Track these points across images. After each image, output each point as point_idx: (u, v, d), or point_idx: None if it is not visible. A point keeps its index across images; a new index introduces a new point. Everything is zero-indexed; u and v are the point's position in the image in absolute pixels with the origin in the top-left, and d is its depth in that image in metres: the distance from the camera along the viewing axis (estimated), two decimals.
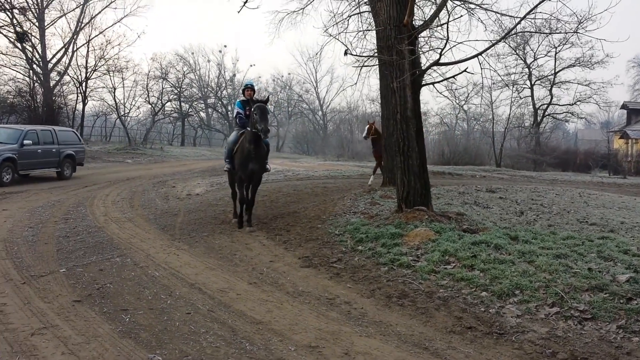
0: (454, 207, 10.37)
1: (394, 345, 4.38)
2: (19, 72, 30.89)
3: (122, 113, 40.90)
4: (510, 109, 39.79)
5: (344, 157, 39.42)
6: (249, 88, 9.04)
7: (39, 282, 5.39)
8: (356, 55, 10.52)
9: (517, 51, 37.14)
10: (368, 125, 15.86)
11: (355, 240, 7.56)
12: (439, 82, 10.61)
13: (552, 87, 38.72)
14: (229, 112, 49.46)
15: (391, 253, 6.85)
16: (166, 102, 45.59)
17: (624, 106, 43.54)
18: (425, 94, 60.12)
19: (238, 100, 9.15)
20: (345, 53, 10.13)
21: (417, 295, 5.56)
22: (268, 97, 9.47)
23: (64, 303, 4.84)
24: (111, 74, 35.34)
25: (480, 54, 9.43)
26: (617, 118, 53.42)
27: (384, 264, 6.49)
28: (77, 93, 29.06)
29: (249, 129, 8.42)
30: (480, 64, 9.82)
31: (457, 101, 42.25)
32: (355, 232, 7.89)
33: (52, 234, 7.68)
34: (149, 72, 43.31)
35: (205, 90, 49.60)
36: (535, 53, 37.73)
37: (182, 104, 47.35)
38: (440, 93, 43.04)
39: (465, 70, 9.60)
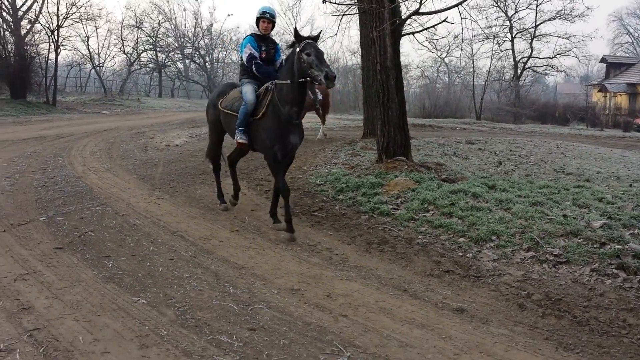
0: (434, 158, 10.46)
1: (374, 287, 4.49)
2: None
3: (97, 63, 39.77)
4: (491, 62, 39.76)
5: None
6: (265, 18, 6.05)
7: (19, 230, 5.35)
8: (335, 2, 10.28)
9: (499, 3, 36.79)
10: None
11: (336, 190, 7.61)
12: (419, 31, 10.49)
13: (532, 40, 38.59)
14: (206, 64, 48.40)
15: (371, 202, 6.92)
16: (142, 52, 44.33)
17: (603, 60, 43.71)
18: (406, 45, 59.24)
19: (248, 35, 6.15)
20: (324, 1, 9.92)
21: (396, 241, 5.66)
22: (320, 33, 6.09)
23: (45, 250, 4.82)
24: (84, 22, 34.12)
25: (460, 3, 9.31)
26: (597, 72, 53.62)
27: (365, 213, 6.57)
28: (49, 42, 28.06)
29: (277, 81, 5.74)
30: (460, 14, 9.73)
31: (439, 53, 41.87)
32: (336, 182, 7.93)
33: (30, 184, 7.57)
34: (123, 20, 42.03)
35: (182, 40, 48.25)
36: (516, 5, 37.40)
37: (159, 54, 46.10)
38: (421, 44, 42.49)
39: (445, 20, 9.50)
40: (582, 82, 52.36)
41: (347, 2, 12.48)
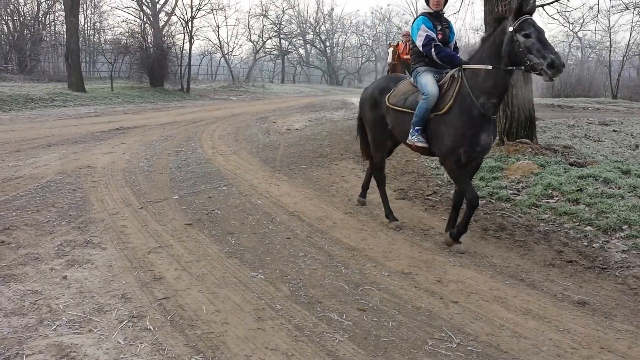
0: (562, 141, 9.81)
1: (488, 275, 4.38)
2: (130, 14, 32.68)
3: (226, 52, 42.07)
4: (630, 35, 35.96)
5: None
6: None
7: (154, 207, 5.92)
8: None
9: None
10: (392, 48, 13.25)
11: None
12: (549, 3, 9.83)
13: None
14: (326, 48, 49.10)
15: (490, 186, 6.70)
16: (267, 40, 46.18)
17: None
18: (535, 19, 55.44)
19: (420, 15, 5.08)
20: None
21: (515, 228, 5.45)
22: (533, 3, 4.86)
23: (176, 226, 5.30)
24: (214, 13, 36.28)
25: None
26: None
27: (482, 197, 6.38)
28: (183, 33, 30.17)
29: (470, 65, 4.64)
30: None
31: (571, 27, 38.67)
32: None
33: (165, 165, 8.30)
34: (250, 9, 43.86)
35: (304, 26, 49.46)
36: None
37: (282, 41, 47.70)
38: (551, 16, 39.43)
39: None
40: None
41: None
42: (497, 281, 4.26)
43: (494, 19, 4.61)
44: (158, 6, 34.39)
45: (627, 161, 7.92)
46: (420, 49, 4.97)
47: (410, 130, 4.92)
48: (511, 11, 4.40)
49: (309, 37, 50.21)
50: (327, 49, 49.46)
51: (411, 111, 4.93)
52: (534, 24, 4.21)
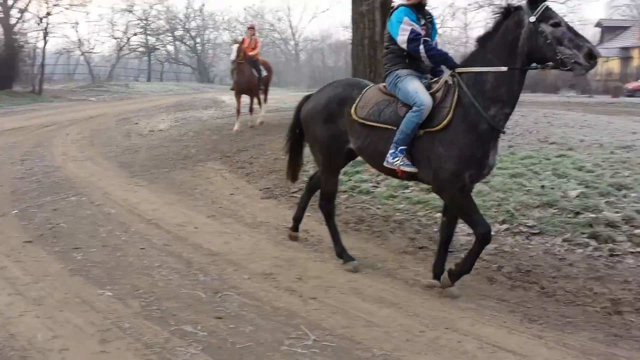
0: None
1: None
2: None
3: (86, 49, 39.33)
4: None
5: (315, 88, 38.85)
6: None
7: None
8: None
9: None
10: (236, 45, 11.40)
11: None
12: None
13: None
14: (197, 45, 47.84)
15: (352, 180, 6.89)
16: (132, 36, 43.88)
17: (598, 24, 43.22)
18: None
19: (399, 6, 4.11)
20: None
21: (373, 219, 5.66)
22: None
23: (14, 245, 4.79)
24: (74, 8, 33.64)
25: None
26: (591, 37, 53.07)
27: (344, 192, 6.54)
28: (38, 30, 27.69)
29: (473, 69, 3.77)
30: None
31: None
32: None
33: (7, 176, 7.52)
34: (114, 5, 41.41)
35: (173, 22, 47.72)
36: None
37: (149, 37, 45.61)
38: None
39: None
40: None
41: None
42: (355, 272, 4.37)
43: (500, 12, 3.74)
44: (10, 2, 31.18)
45: None
46: (404, 45, 3.98)
47: (391, 152, 3.89)
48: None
49: (179, 33, 48.54)
50: (197, 45, 48.15)
51: (390, 127, 3.95)
52: (556, 13, 3.55)
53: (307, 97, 4.76)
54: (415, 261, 4.62)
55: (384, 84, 4.21)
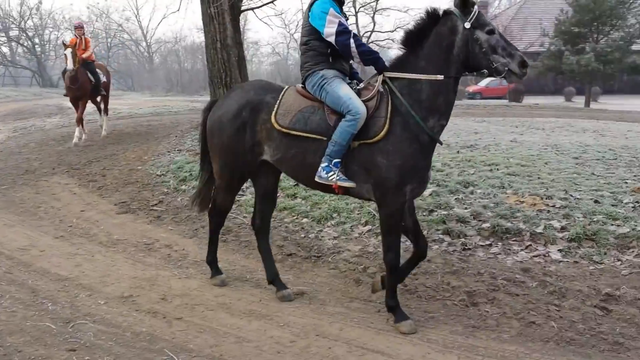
0: None
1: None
2: None
3: None
4: (336, 37, 40.80)
5: (172, 92, 37.56)
6: None
7: None
8: None
9: None
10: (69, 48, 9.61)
11: (178, 179, 7.25)
12: (258, 7, 10.34)
13: (374, 14, 40.41)
14: (35, 46, 43.76)
15: None
16: None
17: None
18: (255, 22, 58.51)
19: None
20: None
21: (240, 229, 5.53)
22: None
23: None
24: None
25: None
26: None
27: None
28: None
29: (408, 75, 3.49)
30: None
31: (287, 29, 42.18)
32: (179, 170, 7.56)
33: None
34: None
35: (7, 21, 43.12)
36: None
37: None
38: (261, 20, 42.24)
39: None
40: None
41: None
42: (223, 286, 4.21)
43: (427, 15, 3.48)
44: None
45: None
46: (331, 39, 3.56)
47: (323, 165, 3.50)
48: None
49: (14, 33, 43.97)
50: (36, 47, 44.02)
51: (318, 137, 3.56)
52: (481, 17, 3.41)
53: (211, 104, 4.19)
54: (284, 269, 4.58)
55: (301, 85, 3.81)
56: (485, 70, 3.38)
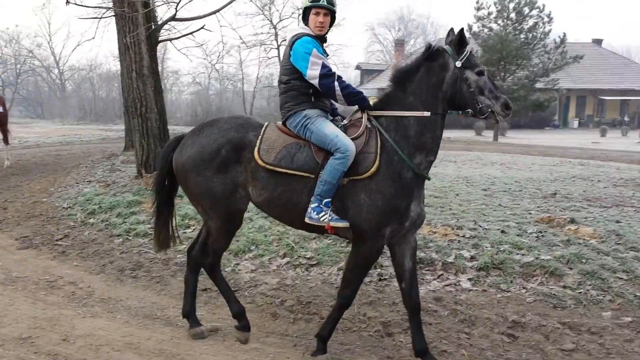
0: None
1: (122, 321, 4.08)
2: None
3: None
4: (259, 69, 41.25)
5: (85, 121, 36.07)
6: (321, 7, 3.59)
7: None
8: (80, 5, 9.36)
9: (264, 11, 38.41)
10: None
11: (86, 212, 6.89)
12: (177, 38, 10.21)
13: None
14: None
15: (127, 223, 6.42)
16: None
17: (357, 67, 48.66)
18: (174, 51, 57.51)
19: (303, 35, 3.57)
20: (67, 2, 8.99)
21: (152, 264, 5.32)
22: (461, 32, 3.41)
23: None
24: None
25: (218, 10, 9.35)
26: (354, 78, 59.54)
27: (118, 235, 6.06)
28: None
29: (396, 112, 3.45)
30: (219, 21, 9.76)
31: (209, 60, 42.03)
32: (87, 203, 7.20)
33: None
34: None
35: None
36: (280, 14, 39.53)
37: None
38: (179, 51, 41.91)
39: (203, 27, 9.44)
40: None
41: (97, 5, 11.57)
42: (131, 325, 4.00)
43: (425, 52, 3.46)
44: None
45: None
46: (314, 81, 3.45)
47: (313, 206, 3.34)
48: (448, 37, 3.48)
49: None
50: None
51: (305, 175, 3.41)
52: (474, 59, 3.44)
53: (176, 141, 3.80)
54: (199, 304, 4.38)
55: (280, 123, 3.66)
56: (470, 110, 3.39)
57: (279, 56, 41.30)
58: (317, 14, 3.56)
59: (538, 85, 26.73)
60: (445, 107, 3.43)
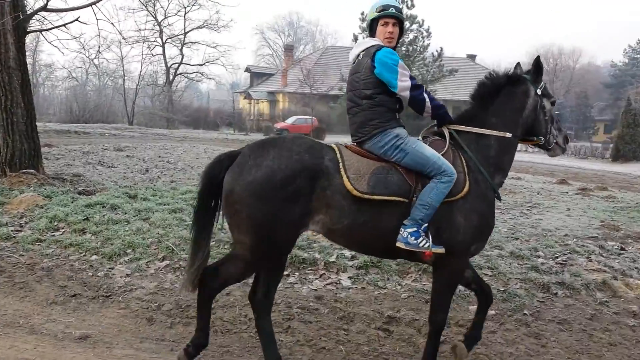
0: (75, 168, 9.65)
1: None
2: None
3: None
4: (141, 66, 39.67)
5: None
6: (390, 16, 3.39)
7: None
8: None
9: (148, 7, 36.99)
10: None
11: None
12: (48, 29, 9.53)
13: (182, 46, 40.14)
14: None
15: None
16: None
17: (247, 69, 48.48)
18: (48, 45, 53.05)
19: (384, 46, 3.33)
20: None
21: (16, 269, 4.88)
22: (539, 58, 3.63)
23: None
24: None
25: (94, 3, 8.87)
26: (244, 80, 59.23)
27: None
28: None
29: (481, 130, 3.43)
30: (95, 14, 9.28)
31: (88, 54, 39.58)
32: None
33: None
34: None
35: None
36: (165, 11, 38.30)
37: None
38: (50, 43, 39.11)
39: (77, 20, 8.90)
40: (231, 90, 57.10)
41: None
42: None
43: (498, 75, 3.50)
44: None
45: (136, 185, 8.41)
46: (405, 93, 3.27)
47: (411, 231, 3.10)
48: (517, 69, 3.58)
49: None
50: None
51: (399, 199, 3.15)
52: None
53: (229, 159, 3.18)
54: (67, 312, 4.13)
55: (353, 143, 3.38)
56: (542, 138, 3.51)
57: (163, 54, 39.99)
58: (386, 24, 3.38)
59: None
60: (529, 132, 3.53)
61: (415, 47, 28.59)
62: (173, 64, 40.45)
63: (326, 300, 4.48)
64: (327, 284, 4.83)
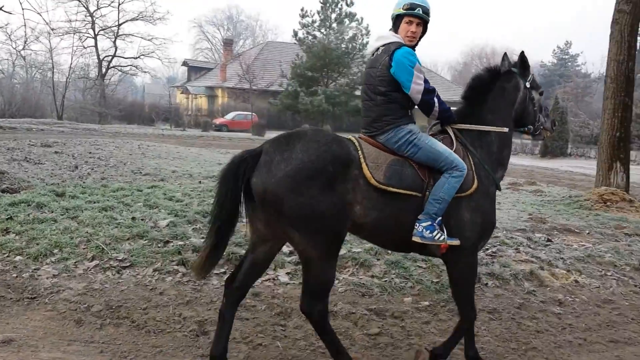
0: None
1: None
2: None
3: None
4: (72, 59, 38.04)
5: None
6: (414, 16, 3.39)
7: None
8: None
9: None
10: None
11: None
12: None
13: (116, 38, 38.75)
14: None
15: None
16: None
17: (184, 63, 47.45)
18: None
19: (403, 46, 3.36)
20: None
21: None
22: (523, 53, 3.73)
23: None
24: None
25: None
26: (181, 74, 57.90)
27: None
28: None
29: (482, 127, 3.55)
30: (20, 3, 8.84)
31: (14, 45, 37.43)
32: None
33: None
34: None
35: None
36: (98, 2, 36.86)
37: None
38: None
39: (0, 8, 8.46)
40: (167, 84, 55.66)
41: None
42: None
43: (488, 71, 3.67)
44: None
45: (64, 183, 8.05)
46: (417, 96, 3.33)
47: (427, 225, 3.18)
48: (505, 61, 3.70)
49: None
50: None
51: (413, 193, 3.22)
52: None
53: (253, 158, 3.09)
54: None
55: (363, 135, 3.43)
56: (531, 127, 3.73)
57: (96, 46, 38.45)
58: (410, 22, 3.40)
59: (357, 92, 28.70)
60: (521, 123, 3.74)
61: (354, 44, 28.88)
62: (106, 56, 38.99)
63: (263, 296, 4.45)
64: (265, 280, 4.79)
